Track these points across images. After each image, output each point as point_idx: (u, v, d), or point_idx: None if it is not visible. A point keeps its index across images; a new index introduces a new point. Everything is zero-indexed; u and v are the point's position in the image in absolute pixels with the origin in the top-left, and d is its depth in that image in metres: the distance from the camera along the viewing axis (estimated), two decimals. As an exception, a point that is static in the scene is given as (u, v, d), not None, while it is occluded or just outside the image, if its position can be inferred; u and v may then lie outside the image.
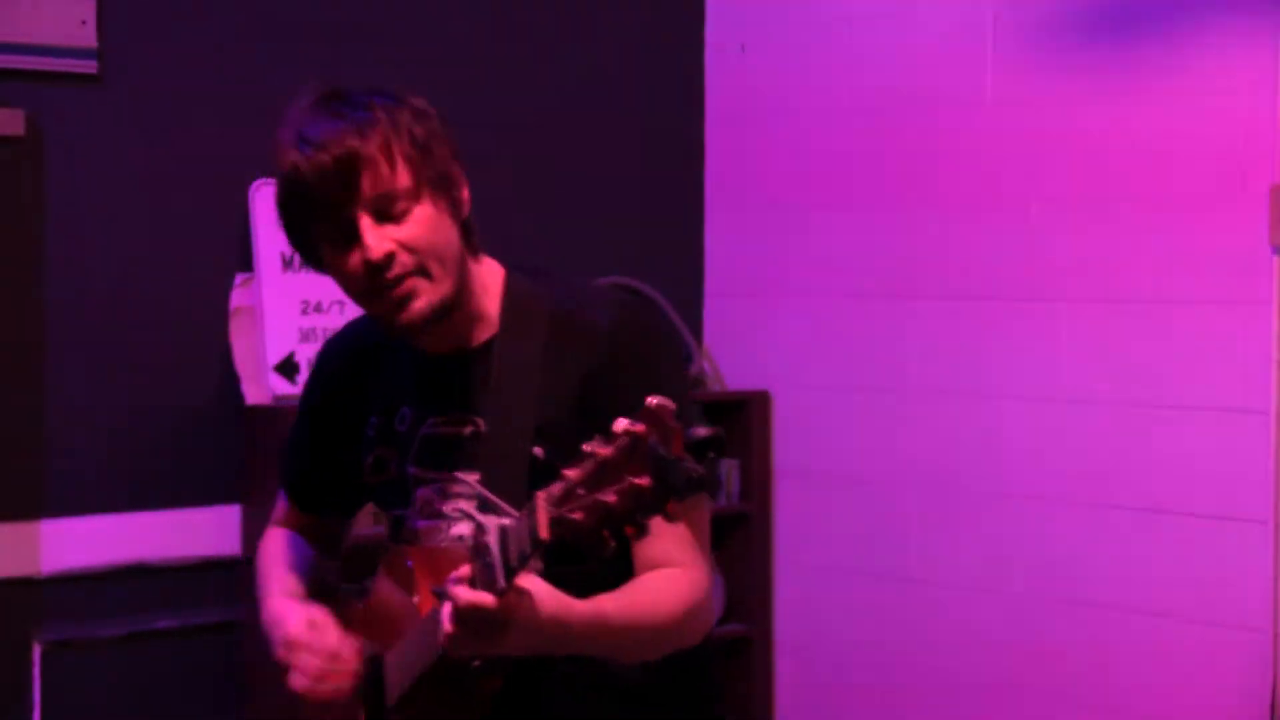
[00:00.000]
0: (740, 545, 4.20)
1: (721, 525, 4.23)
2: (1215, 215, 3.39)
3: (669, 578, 1.86)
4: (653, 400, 1.45)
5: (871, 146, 3.98)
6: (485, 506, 1.64)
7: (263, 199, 3.66)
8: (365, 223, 1.85)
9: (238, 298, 3.65)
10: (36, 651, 3.41)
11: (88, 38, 3.46)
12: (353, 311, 3.71)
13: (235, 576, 3.63)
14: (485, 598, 1.61)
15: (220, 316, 3.64)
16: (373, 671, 1.96)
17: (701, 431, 1.47)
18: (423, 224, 1.87)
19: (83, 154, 3.48)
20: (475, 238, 1.99)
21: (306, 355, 3.66)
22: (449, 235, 1.91)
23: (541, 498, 1.54)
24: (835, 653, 4.07)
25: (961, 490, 3.76)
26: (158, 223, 3.59)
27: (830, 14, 4.06)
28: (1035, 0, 3.67)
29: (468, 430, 1.93)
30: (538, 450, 1.87)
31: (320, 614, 1.98)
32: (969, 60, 3.77)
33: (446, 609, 1.65)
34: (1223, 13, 3.37)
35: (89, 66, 3.47)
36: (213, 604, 3.62)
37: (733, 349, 4.29)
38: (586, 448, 1.50)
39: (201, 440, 3.62)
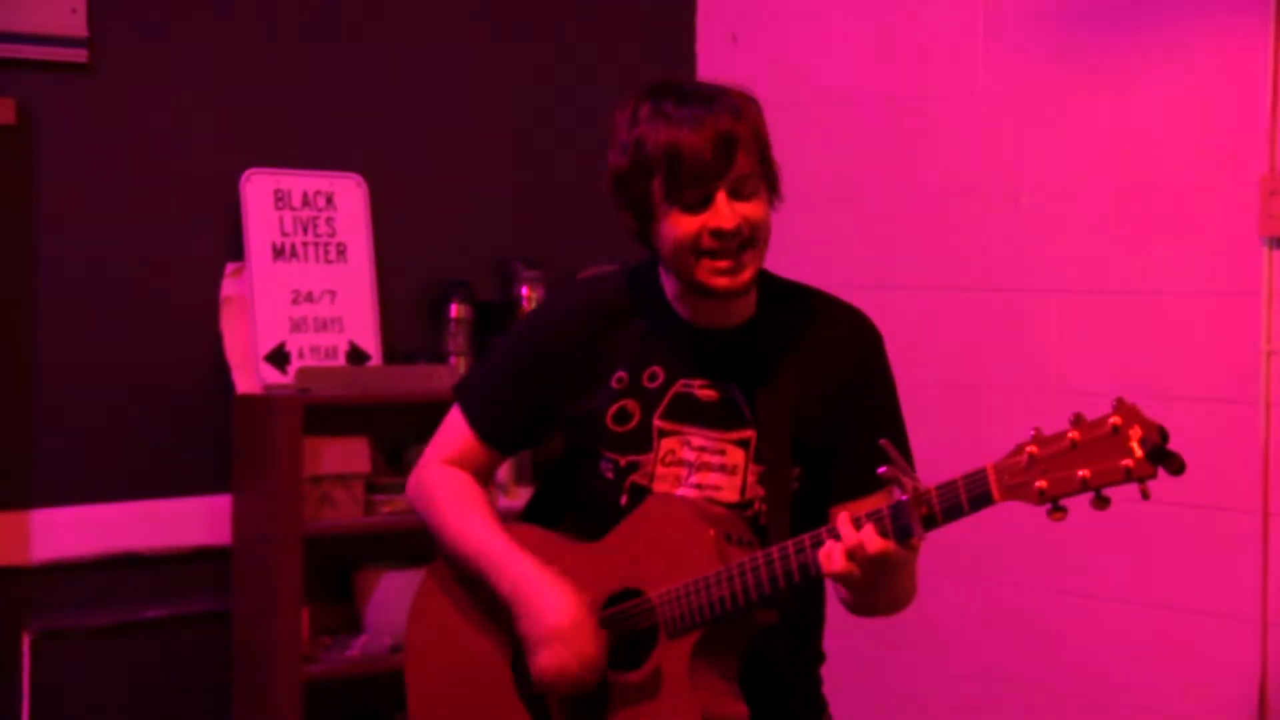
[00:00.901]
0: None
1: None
2: (1205, 205, 3.40)
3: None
4: (1125, 399, 1.86)
5: (862, 137, 3.98)
6: (901, 468, 1.95)
7: (253, 188, 3.66)
8: (722, 196, 2.12)
9: (228, 287, 3.65)
10: (26, 641, 3.41)
11: (78, 26, 3.45)
12: (344, 301, 3.72)
13: (225, 566, 3.63)
14: (893, 545, 1.96)
15: (211, 306, 3.64)
16: (643, 604, 2.14)
17: (1162, 427, 1.85)
18: (762, 208, 2.16)
19: (73, 142, 3.48)
20: None
21: (297, 345, 3.66)
22: (769, 229, 2.19)
23: (993, 467, 1.90)
24: (833, 644, 4.07)
25: (951, 480, 3.76)
26: (148, 211, 3.59)
27: (821, 4, 4.06)
28: (1026, -9, 3.67)
29: (718, 396, 2.20)
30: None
31: (585, 615, 2.15)
32: (960, 50, 3.77)
33: (834, 547, 1.97)
34: (1212, 3, 3.38)
35: (79, 55, 3.46)
36: (203, 593, 3.62)
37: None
38: (1047, 432, 1.89)
39: (192, 430, 3.62)
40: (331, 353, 3.71)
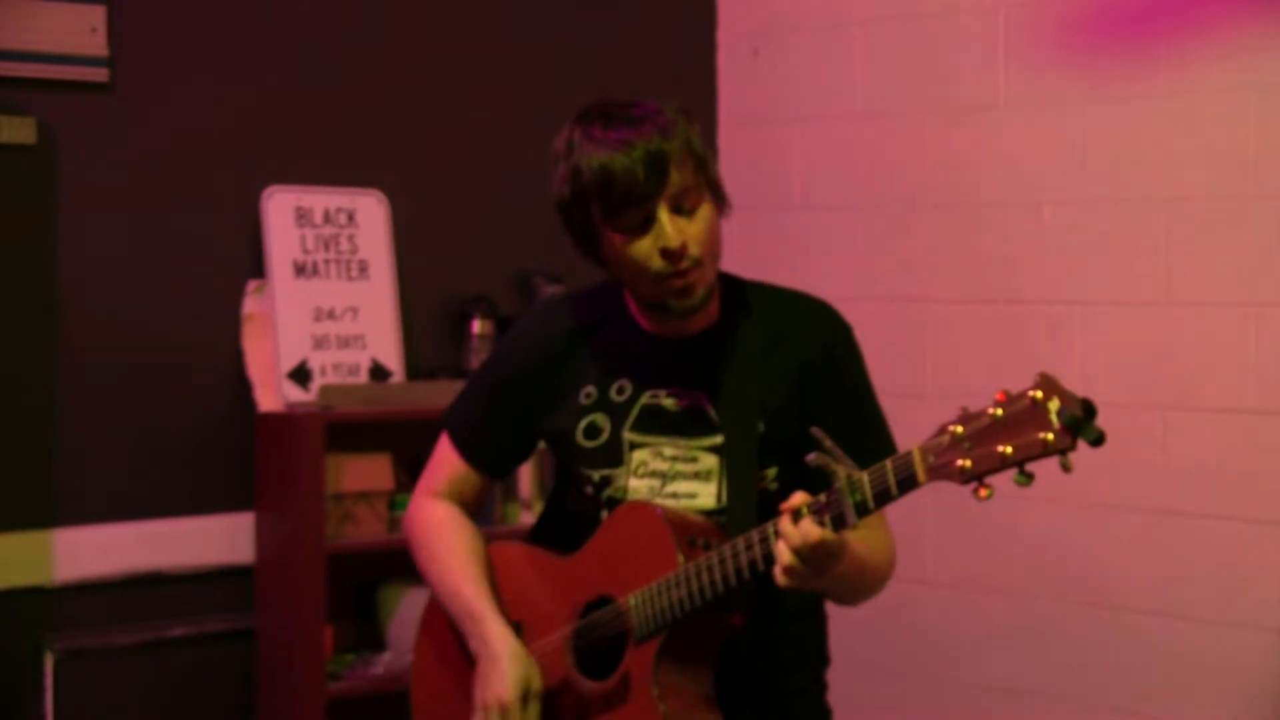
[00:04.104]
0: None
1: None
2: (1229, 217, 3.38)
3: (883, 535, 2.22)
4: (1043, 374, 1.81)
5: (884, 150, 3.98)
6: (834, 457, 1.95)
7: (274, 206, 3.66)
8: (665, 214, 2.12)
9: (250, 305, 3.65)
10: (49, 660, 3.41)
11: (98, 46, 3.46)
12: (366, 318, 3.72)
13: (249, 584, 3.62)
14: (829, 534, 1.94)
15: (233, 324, 3.64)
16: (612, 611, 2.18)
17: (1086, 400, 1.79)
18: (707, 221, 2.16)
19: (94, 161, 3.49)
20: None
21: (319, 362, 3.66)
22: (719, 234, 2.19)
23: (919, 449, 1.89)
24: (848, 654, 4.05)
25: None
26: (169, 230, 3.59)
27: (842, 17, 4.05)
28: (1045, 3, 3.66)
29: (689, 403, 2.22)
30: (761, 426, 2.18)
31: (538, 680, 2.20)
32: (981, 62, 3.76)
33: (781, 545, 1.96)
34: (1236, 15, 3.36)
35: (100, 74, 3.47)
36: (226, 611, 3.62)
37: (746, 353, 4.27)
38: (973, 409, 1.86)
39: (214, 448, 3.62)
40: (354, 370, 3.71)
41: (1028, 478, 1.84)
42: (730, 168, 4.31)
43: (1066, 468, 1.81)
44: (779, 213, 4.22)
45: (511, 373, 2.34)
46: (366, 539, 3.63)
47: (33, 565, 3.39)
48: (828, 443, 1.96)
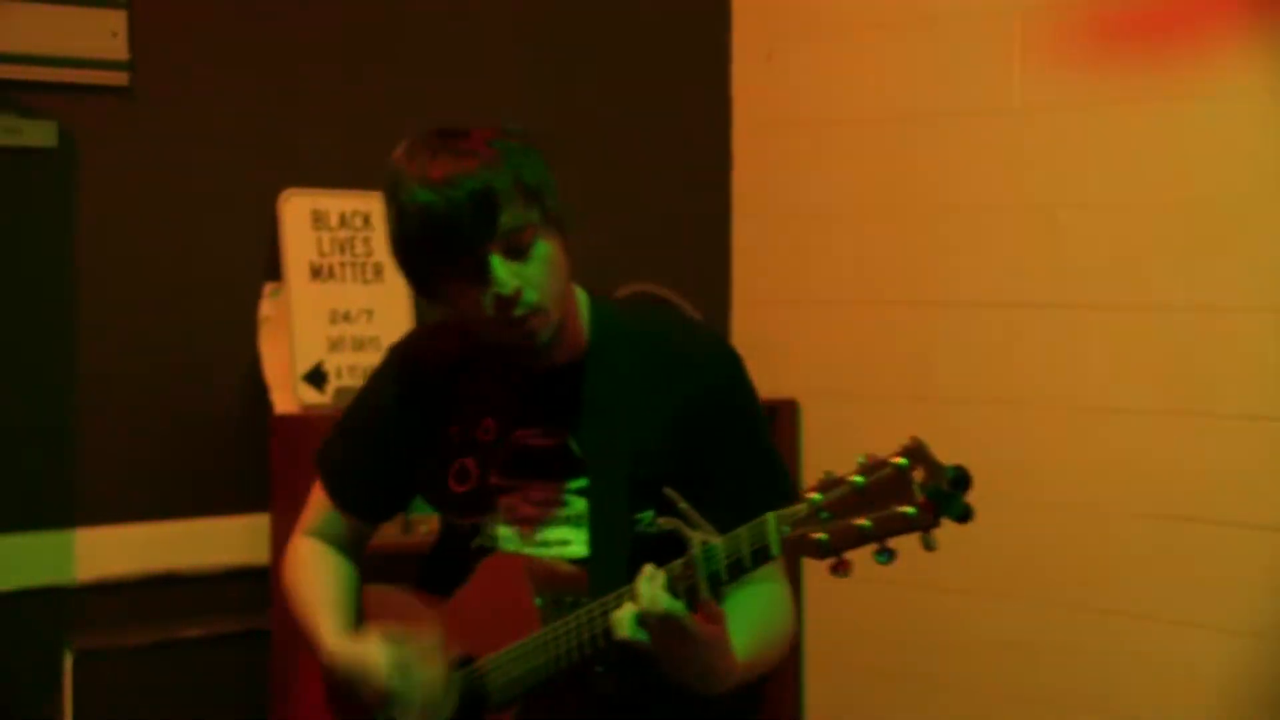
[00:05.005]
0: (768, 553, 4.20)
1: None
2: (1243, 220, 3.38)
3: (782, 607, 2.01)
4: (913, 439, 1.61)
5: (899, 154, 3.98)
6: (688, 521, 1.73)
7: (291, 209, 3.68)
8: (497, 260, 1.92)
9: (267, 307, 3.67)
10: (68, 659, 3.43)
11: (119, 50, 3.48)
12: (381, 321, 3.73)
13: (264, 585, 3.64)
14: (678, 606, 1.71)
15: (249, 326, 3.65)
16: (469, 674, 2.00)
17: (957, 469, 1.58)
18: (546, 261, 1.97)
19: (114, 165, 3.50)
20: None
21: (335, 364, 3.68)
22: (563, 269, 2.00)
23: (773, 517, 1.67)
24: (861, 660, 4.06)
25: (988, 498, 3.73)
26: (188, 233, 3.61)
27: (857, 21, 4.06)
28: (1062, 6, 3.66)
29: (555, 443, 2.03)
30: (630, 466, 1.98)
31: (392, 647, 2.03)
32: (996, 66, 3.76)
33: (625, 610, 1.74)
34: (1251, 16, 3.36)
35: (120, 78, 3.49)
36: (242, 612, 3.63)
37: (760, 358, 4.25)
38: (838, 474, 1.64)
39: (231, 449, 3.63)
40: (369, 372, 3.71)
41: (889, 555, 1.63)
42: (745, 172, 4.33)
43: (929, 546, 1.60)
44: (794, 217, 4.23)
45: (374, 415, 2.20)
46: (379, 541, 3.63)
47: (54, 564, 3.41)
48: (682, 504, 1.74)
